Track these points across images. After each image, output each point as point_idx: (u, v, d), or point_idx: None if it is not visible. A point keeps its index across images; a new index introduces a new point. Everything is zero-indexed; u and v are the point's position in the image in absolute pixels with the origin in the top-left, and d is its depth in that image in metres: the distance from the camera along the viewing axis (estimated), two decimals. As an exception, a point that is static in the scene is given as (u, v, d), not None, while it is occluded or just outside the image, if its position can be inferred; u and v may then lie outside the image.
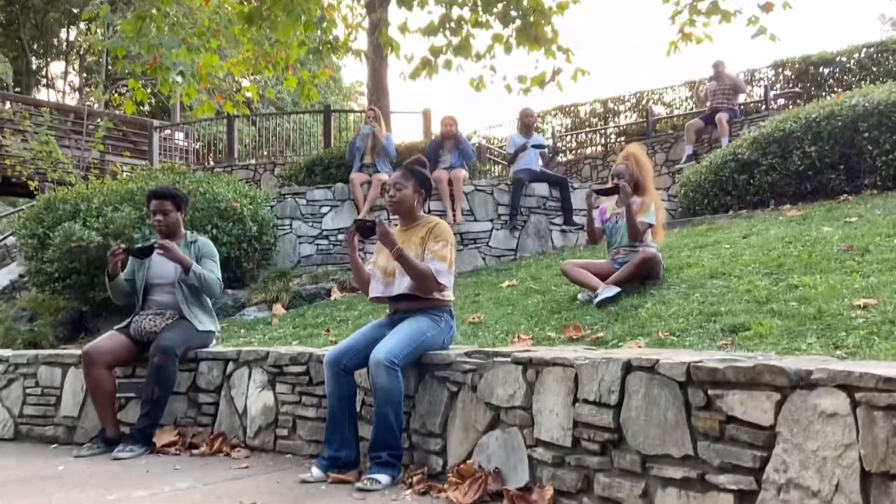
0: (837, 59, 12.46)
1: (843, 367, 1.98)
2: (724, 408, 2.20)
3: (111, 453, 4.00)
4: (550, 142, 15.12)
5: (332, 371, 3.41)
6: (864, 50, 12.20)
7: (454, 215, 7.90)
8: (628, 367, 2.51)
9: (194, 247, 4.53)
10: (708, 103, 11.16)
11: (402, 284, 3.44)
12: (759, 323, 3.51)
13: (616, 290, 4.74)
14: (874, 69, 11.83)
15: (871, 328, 3.16)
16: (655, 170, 12.26)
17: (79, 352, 4.60)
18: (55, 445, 4.59)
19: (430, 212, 8.02)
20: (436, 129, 10.43)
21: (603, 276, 4.94)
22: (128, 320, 4.46)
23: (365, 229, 3.58)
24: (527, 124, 8.45)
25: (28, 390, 4.87)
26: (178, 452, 4.06)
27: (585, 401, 2.63)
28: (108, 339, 4.35)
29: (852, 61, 12.30)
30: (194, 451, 4.04)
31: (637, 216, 5.00)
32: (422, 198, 3.62)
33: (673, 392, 2.35)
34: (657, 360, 2.41)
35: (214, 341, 4.69)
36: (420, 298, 3.45)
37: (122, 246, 4.42)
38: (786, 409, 2.06)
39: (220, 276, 4.52)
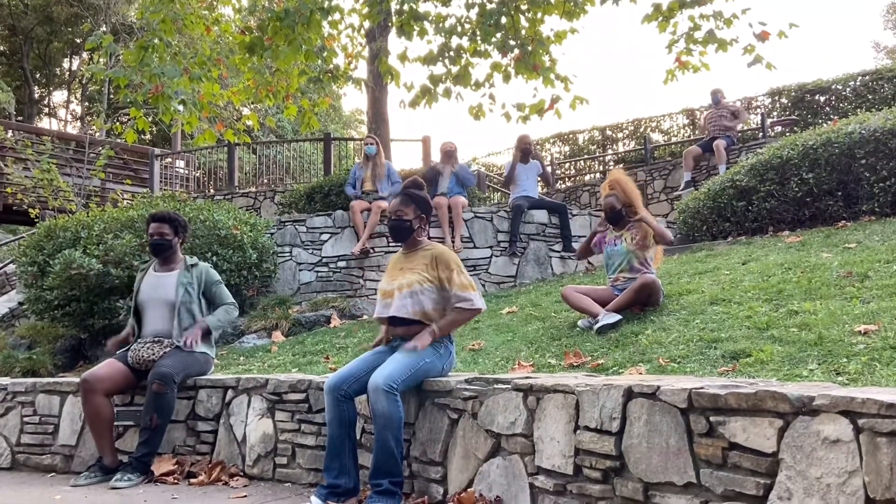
0: (833, 86, 12.58)
1: (846, 394, 1.98)
2: (726, 434, 2.19)
3: (109, 482, 3.97)
4: (550, 168, 15.19)
5: (332, 397, 3.40)
6: (860, 78, 12.32)
7: (454, 241, 7.91)
8: (629, 394, 2.50)
9: (196, 271, 4.56)
10: (707, 130, 11.26)
11: (400, 306, 3.47)
12: (760, 349, 3.50)
13: (617, 317, 4.74)
14: (869, 97, 11.93)
15: (873, 354, 3.15)
16: (654, 197, 12.34)
17: (77, 380, 4.58)
18: (52, 474, 4.55)
19: (430, 238, 8.03)
20: (435, 157, 10.49)
21: (603, 303, 4.94)
22: (125, 349, 4.45)
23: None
24: (524, 151, 8.51)
25: (26, 419, 4.83)
26: (176, 481, 4.02)
27: (587, 428, 2.62)
28: (107, 367, 4.33)
29: (848, 89, 12.41)
30: (192, 480, 4.00)
31: (648, 239, 5.06)
32: (423, 222, 3.67)
33: (675, 419, 2.34)
34: (658, 387, 2.40)
35: (213, 367, 4.67)
36: (417, 323, 3.46)
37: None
38: (788, 436, 2.05)
39: (230, 298, 4.64)
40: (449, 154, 8.45)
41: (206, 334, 4.47)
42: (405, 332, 3.50)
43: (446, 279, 3.46)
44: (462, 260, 7.85)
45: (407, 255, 3.63)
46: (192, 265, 4.57)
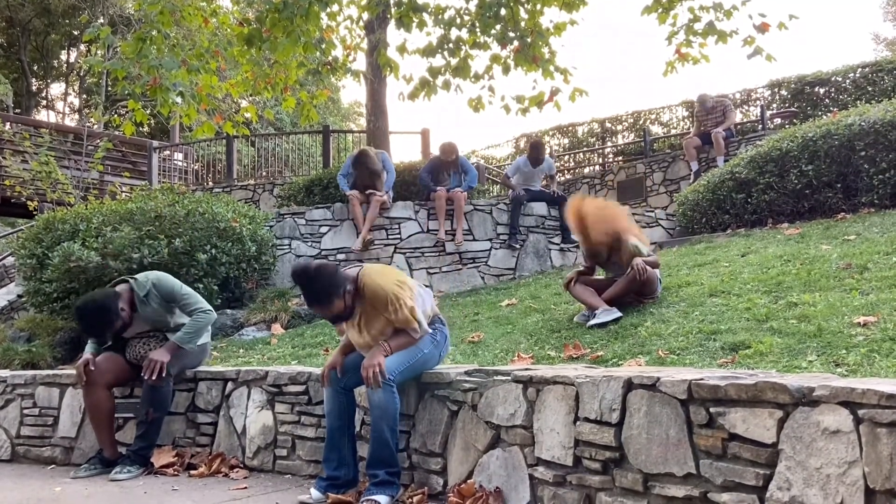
0: (833, 78, 12.56)
1: (846, 384, 1.98)
2: (726, 425, 2.19)
3: (109, 474, 3.97)
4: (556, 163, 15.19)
5: (331, 388, 3.41)
6: (860, 70, 12.31)
7: (454, 235, 7.90)
8: (629, 386, 2.51)
9: (153, 296, 4.24)
10: (702, 125, 11.26)
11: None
12: (760, 341, 3.51)
13: (613, 315, 4.65)
14: (869, 88, 11.92)
15: (872, 345, 3.15)
16: (654, 189, 12.31)
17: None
18: (52, 466, 4.56)
19: (428, 231, 8.02)
20: (434, 150, 10.47)
21: (603, 289, 4.90)
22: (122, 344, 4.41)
23: None
24: (535, 157, 8.52)
25: (25, 411, 4.84)
26: (176, 473, 4.03)
27: (586, 419, 2.62)
28: (108, 360, 4.33)
29: (847, 81, 12.39)
30: (192, 472, 4.01)
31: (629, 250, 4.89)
32: (350, 295, 3.29)
33: (674, 410, 2.34)
34: (658, 378, 2.41)
35: (209, 355, 4.66)
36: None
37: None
38: (788, 427, 2.05)
39: (200, 303, 4.32)
40: (449, 158, 8.34)
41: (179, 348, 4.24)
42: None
43: (393, 320, 3.27)
44: (462, 252, 7.96)
45: (358, 321, 3.38)
46: (146, 294, 4.22)
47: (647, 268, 4.81)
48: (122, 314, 4.16)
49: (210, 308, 4.37)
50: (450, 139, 8.55)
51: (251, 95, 10.50)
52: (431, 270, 7.98)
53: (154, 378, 4.09)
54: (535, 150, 8.65)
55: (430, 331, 3.41)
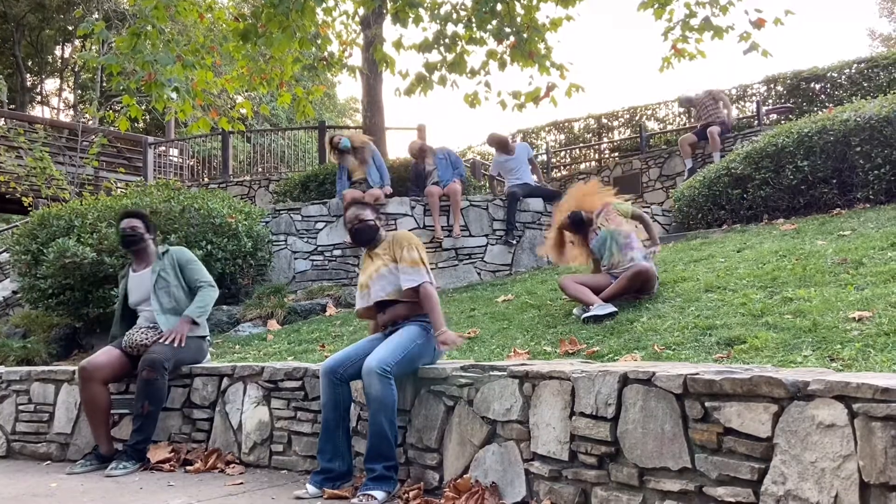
0: (828, 74, 12.57)
1: (841, 379, 1.98)
2: (721, 420, 2.20)
3: (105, 470, 3.97)
4: (544, 157, 15.19)
5: (327, 380, 3.41)
6: (855, 66, 12.31)
7: (451, 230, 7.90)
8: (625, 380, 2.51)
9: (168, 257, 4.54)
10: (701, 117, 11.27)
11: (375, 292, 3.60)
12: (755, 336, 3.51)
13: (608, 308, 4.68)
14: (865, 84, 11.93)
15: (867, 340, 3.16)
16: (650, 185, 12.33)
17: (72, 368, 4.58)
18: (48, 462, 4.55)
19: (424, 227, 8.03)
20: (431, 144, 10.45)
21: (600, 289, 4.92)
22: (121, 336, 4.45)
23: None
24: (501, 148, 8.71)
25: (21, 407, 4.83)
26: (172, 469, 4.03)
27: (582, 414, 2.63)
28: (104, 355, 4.33)
29: (843, 77, 12.41)
30: (188, 468, 4.01)
31: (622, 227, 5.13)
32: (381, 222, 3.80)
33: (670, 404, 2.34)
34: (654, 373, 2.41)
35: (208, 351, 4.66)
36: (401, 302, 3.55)
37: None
38: (783, 421, 2.06)
39: (206, 276, 4.57)
40: (418, 154, 8.51)
41: (194, 324, 4.44)
42: (390, 316, 3.59)
43: (399, 257, 3.57)
44: (458, 248, 7.96)
45: (373, 250, 3.73)
46: (164, 252, 4.58)
47: (648, 268, 4.87)
48: (151, 237, 4.58)
49: (214, 283, 4.60)
50: (418, 139, 8.72)
51: (247, 91, 10.46)
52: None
53: (178, 343, 4.28)
54: (494, 142, 8.80)
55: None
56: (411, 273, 3.52)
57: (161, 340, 4.28)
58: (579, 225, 5.32)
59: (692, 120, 13.79)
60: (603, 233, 5.15)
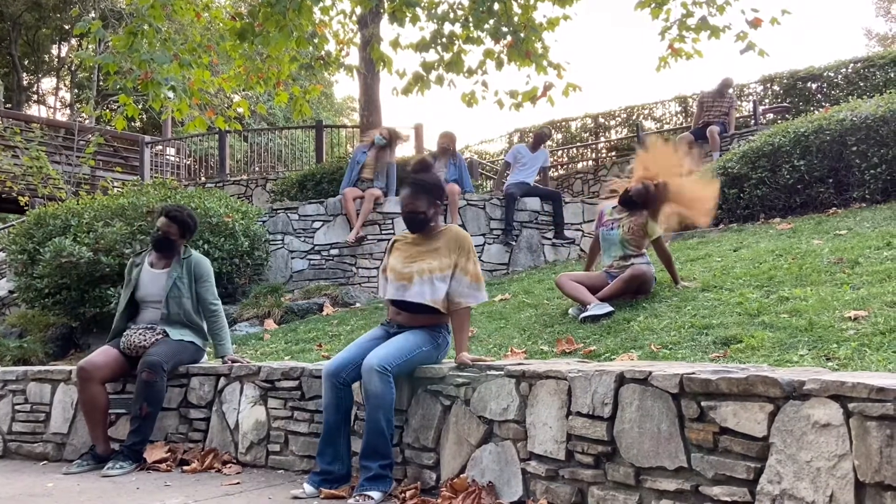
0: (825, 74, 12.60)
1: (836, 378, 1.99)
2: (717, 419, 2.20)
3: (101, 470, 3.96)
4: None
5: (330, 383, 3.37)
6: (851, 65, 12.35)
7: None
8: (621, 380, 2.51)
9: (187, 263, 4.52)
10: (702, 115, 11.24)
11: (418, 292, 3.40)
12: (751, 335, 3.52)
13: (605, 308, 4.65)
14: (861, 84, 11.96)
15: (863, 340, 3.17)
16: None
17: (69, 368, 4.57)
18: (44, 462, 4.54)
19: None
20: (427, 144, 10.47)
21: (597, 289, 4.91)
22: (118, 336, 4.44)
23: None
24: (536, 143, 8.68)
25: (17, 407, 4.82)
26: (168, 469, 4.02)
27: (579, 413, 2.63)
28: (102, 354, 4.32)
29: (839, 76, 12.44)
30: (185, 468, 4.00)
31: (645, 229, 4.99)
32: (437, 209, 3.56)
33: (666, 404, 2.35)
34: (650, 372, 2.41)
35: (206, 356, 4.66)
36: (426, 312, 3.44)
37: None
38: (779, 420, 2.06)
39: (214, 297, 4.55)
40: (445, 150, 8.36)
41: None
42: (409, 319, 3.48)
43: (461, 267, 3.41)
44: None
45: (418, 243, 3.54)
46: (185, 257, 4.54)
47: (647, 271, 4.87)
48: (179, 241, 4.55)
49: (219, 303, 4.60)
50: (448, 134, 8.48)
51: (244, 90, 10.46)
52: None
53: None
54: (538, 139, 8.81)
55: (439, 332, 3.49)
56: (474, 289, 3.41)
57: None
58: (628, 202, 5.02)
59: (689, 119, 13.81)
60: (616, 234, 5.03)
